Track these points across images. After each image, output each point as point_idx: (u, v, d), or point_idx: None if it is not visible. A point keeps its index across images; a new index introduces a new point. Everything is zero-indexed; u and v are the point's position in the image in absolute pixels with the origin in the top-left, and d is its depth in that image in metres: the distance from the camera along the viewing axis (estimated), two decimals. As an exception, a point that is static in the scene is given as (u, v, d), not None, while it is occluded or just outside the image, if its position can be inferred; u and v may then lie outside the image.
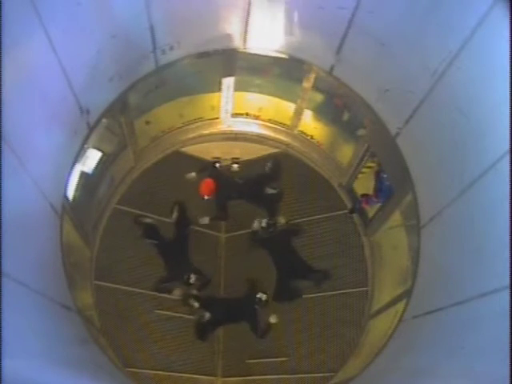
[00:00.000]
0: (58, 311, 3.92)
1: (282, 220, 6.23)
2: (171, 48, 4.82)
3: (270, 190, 6.33)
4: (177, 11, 4.36)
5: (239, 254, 6.28)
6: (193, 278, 5.89)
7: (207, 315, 5.82)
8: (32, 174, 3.49)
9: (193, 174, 6.35)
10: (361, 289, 6.05)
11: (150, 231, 6.09)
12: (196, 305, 5.85)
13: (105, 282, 5.87)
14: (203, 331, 5.88)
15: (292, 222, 6.28)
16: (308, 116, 6.26)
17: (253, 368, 5.95)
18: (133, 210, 6.21)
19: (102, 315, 5.68)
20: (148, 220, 6.13)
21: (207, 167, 6.39)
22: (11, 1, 2.70)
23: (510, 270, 2.70)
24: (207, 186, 6.13)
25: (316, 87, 5.68)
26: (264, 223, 6.00)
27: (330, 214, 6.37)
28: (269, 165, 6.39)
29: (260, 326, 5.82)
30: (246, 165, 6.65)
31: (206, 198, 6.16)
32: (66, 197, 4.48)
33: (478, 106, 3.28)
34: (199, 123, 6.46)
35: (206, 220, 6.25)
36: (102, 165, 5.38)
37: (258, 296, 5.75)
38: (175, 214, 6.13)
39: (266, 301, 5.78)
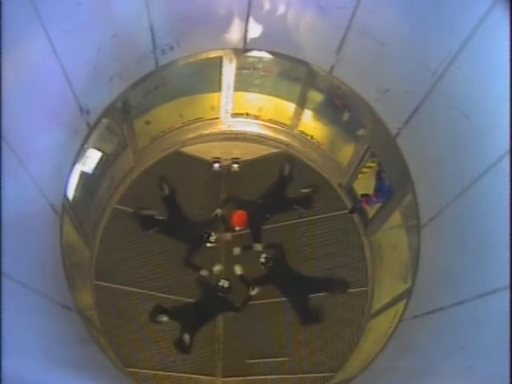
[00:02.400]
0: (58, 311, 3.92)
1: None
2: (171, 48, 4.81)
3: (304, 190, 6.32)
4: (177, 11, 4.36)
5: (239, 254, 6.28)
6: (213, 236, 5.98)
7: (186, 336, 5.77)
8: (32, 173, 3.49)
9: (219, 211, 6.26)
10: (361, 289, 6.04)
11: (149, 222, 6.12)
12: (165, 319, 5.79)
13: (105, 282, 5.87)
14: (183, 345, 5.81)
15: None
16: (308, 116, 6.26)
17: (253, 368, 5.94)
18: (133, 210, 6.22)
19: (102, 315, 5.67)
20: (146, 212, 6.16)
21: (229, 199, 6.36)
22: (11, 1, 2.70)
23: (510, 270, 2.70)
24: (240, 218, 6.09)
25: (316, 87, 5.68)
26: (263, 258, 5.90)
27: (330, 213, 6.37)
28: (287, 167, 6.35)
29: (234, 303, 5.85)
30: (246, 165, 6.65)
31: (237, 229, 6.13)
32: (66, 197, 4.48)
33: (478, 106, 3.28)
34: (199, 123, 6.46)
35: (237, 251, 6.16)
36: (101, 165, 5.38)
37: (220, 284, 5.76)
38: (167, 190, 6.22)
39: (229, 287, 5.78)
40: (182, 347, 5.81)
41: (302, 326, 5.92)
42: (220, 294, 5.81)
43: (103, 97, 4.70)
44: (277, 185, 6.37)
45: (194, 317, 5.89)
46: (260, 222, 6.26)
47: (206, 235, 5.99)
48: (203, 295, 5.96)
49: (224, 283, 5.78)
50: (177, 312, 5.86)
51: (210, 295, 5.92)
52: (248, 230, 6.26)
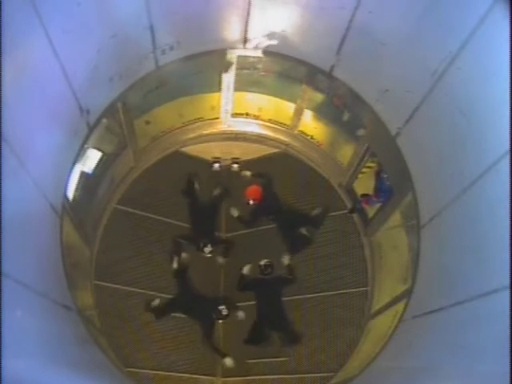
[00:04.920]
0: (58, 311, 3.92)
1: (285, 261, 5.98)
2: (171, 48, 4.82)
3: (303, 231, 6.18)
4: (177, 11, 4.36)
5: (239, 253, 6.28)
6: (208, 249, 5.96)
7: (157, 301, 5.84)
8: (32, 173, 3.49)
9: (247, 173, 6.47)
10: (361, 289, 6.05)
11: (192, 190, 6.25)
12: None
13: (105, 282, 5.87)
14: (162, 311, 5.87)
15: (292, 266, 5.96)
16: (308, 116, 6.26)
17: (253, 368, 5.95)
18: (133, 210, 6.22)
19: (102, 315, 5.67)
20: (197, 186, 6.33)
21: (264, 175, 6.37)
22: (11, 1, 2.70)
23: (510, 270, 2.70)
24: (254, 191, 6.15)
25: (316, 87, 5.68)
26: (263, 262, 5.86)
27: (330, 214, 6.37)
28: (316, 210, 6.25)
29: (213, 335, 5.81)
30: (246, 165, 6.66)
31: (251, 202, 6.18)
32: (66, 197, 4.48)
33: (478, 106, 3.28)
34: (199, 123, 6.46)
35: (235, 212, 6.26)
36: (102, 165, 5.38)
37: (219, 307, 5.67)
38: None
39: (226, 315, 5.70)
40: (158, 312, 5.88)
41: (282, 346, 5.87)
42: (213, 316, 5.73)
43: (103, 97, 4.70)
44: (299, 215, 6.29)
45: (188, 299, 5.89)
46: (263, 212, 6.24)
47: (202, 244, 5.95)
48: (201, 305, 5.87)
49: (223, 310, 5.68)
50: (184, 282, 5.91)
51: (205, 308, 5.82)
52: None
